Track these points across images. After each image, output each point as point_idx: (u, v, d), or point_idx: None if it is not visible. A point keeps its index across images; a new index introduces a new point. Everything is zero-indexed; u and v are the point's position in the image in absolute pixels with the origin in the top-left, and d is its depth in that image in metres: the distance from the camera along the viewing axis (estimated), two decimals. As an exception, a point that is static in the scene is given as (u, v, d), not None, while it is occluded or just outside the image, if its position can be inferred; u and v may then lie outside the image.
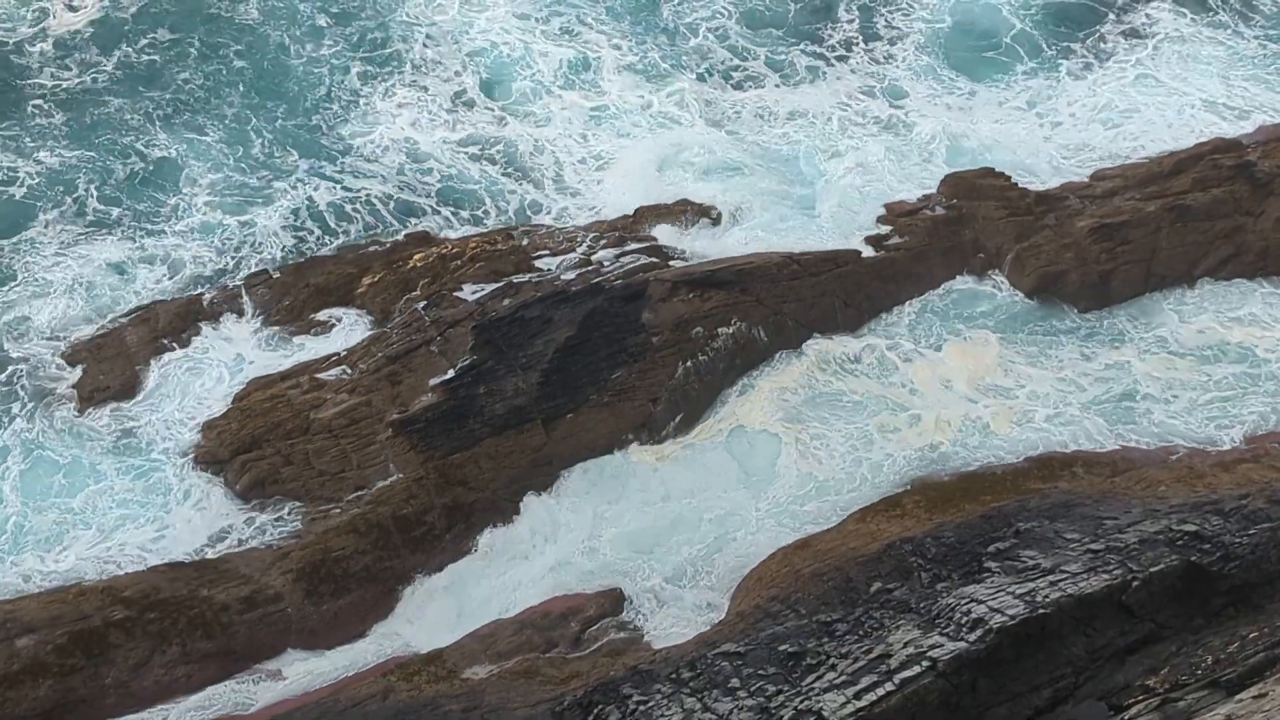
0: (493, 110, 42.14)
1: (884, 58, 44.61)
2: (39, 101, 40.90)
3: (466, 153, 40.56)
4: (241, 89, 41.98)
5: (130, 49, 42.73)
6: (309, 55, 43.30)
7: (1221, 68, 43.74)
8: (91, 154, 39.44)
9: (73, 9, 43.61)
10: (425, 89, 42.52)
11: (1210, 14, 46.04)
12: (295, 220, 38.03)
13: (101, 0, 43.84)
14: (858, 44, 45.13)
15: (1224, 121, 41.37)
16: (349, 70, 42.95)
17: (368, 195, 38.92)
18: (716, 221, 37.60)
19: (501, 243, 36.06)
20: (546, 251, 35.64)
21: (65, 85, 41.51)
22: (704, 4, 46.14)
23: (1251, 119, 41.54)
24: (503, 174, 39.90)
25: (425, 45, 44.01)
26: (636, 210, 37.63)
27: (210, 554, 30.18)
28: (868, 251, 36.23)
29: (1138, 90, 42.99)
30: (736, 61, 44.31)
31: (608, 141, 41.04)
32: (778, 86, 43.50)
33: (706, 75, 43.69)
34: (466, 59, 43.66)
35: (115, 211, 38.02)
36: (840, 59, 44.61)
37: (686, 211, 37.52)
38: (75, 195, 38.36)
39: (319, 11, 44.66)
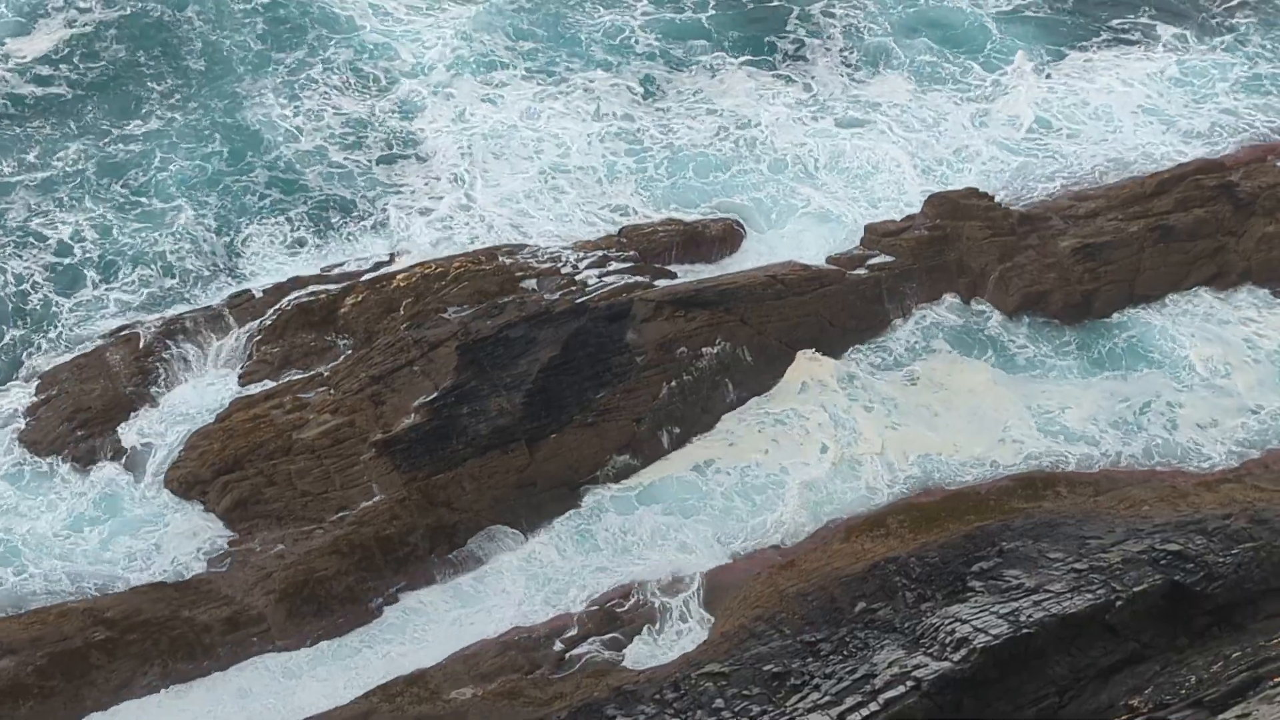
0: (420, 124, 42.13)
1: (847, 64, 44.69)
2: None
3: (379, 175, 40.36)
4: (196, 106, 42.03)
5: (84, 66, 42.90)
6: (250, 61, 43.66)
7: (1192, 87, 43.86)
8: (53, 169, 39.40)
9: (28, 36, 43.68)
10: (354, 100, 42.74)
11: (1204, 35, 46.18)
12: (272, 236, 38.03)
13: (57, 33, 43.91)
14: (818, 51, 45.13)
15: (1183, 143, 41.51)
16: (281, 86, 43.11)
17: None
18: (701, 238, 37.70)
19: (486, 262, 36.02)
20: (530, 271, 35.62)
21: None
22: (640, 17, 46.24)
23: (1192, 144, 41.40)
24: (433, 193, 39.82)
25: (357, 56, 44.32)
26: (621, 229, 37.67)
27: (192, 575, 30.04)
28: (851, 271, 36.27)
29: (1097, 102, 43.12)
30: (681, 74, 44.24)
31: (550, 157, 40.88)
32: (735, 86, 43.67)
33: (653, 87, 43.77)
34: (390, 74, 43.83)
35: (85, 231, 37.82)
36: (798, 65, 44.66)
37: (670, 227, 37.58)
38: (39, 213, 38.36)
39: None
